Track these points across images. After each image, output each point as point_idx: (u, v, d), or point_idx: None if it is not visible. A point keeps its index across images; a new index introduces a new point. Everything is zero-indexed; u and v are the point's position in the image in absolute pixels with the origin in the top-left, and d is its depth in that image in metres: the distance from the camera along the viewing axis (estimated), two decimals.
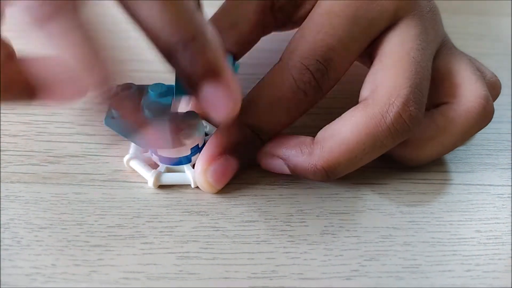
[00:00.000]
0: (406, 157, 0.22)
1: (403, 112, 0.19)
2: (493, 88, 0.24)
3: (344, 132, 0.20)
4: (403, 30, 0.21)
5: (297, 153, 0.20)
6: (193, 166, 0.21)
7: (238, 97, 0.18)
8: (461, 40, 0.27)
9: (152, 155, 0.22)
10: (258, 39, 0.24)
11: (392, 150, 0.21)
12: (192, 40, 0.16)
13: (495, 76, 0.24)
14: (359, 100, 0.21)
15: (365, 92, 0.21)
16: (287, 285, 0.18)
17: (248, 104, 0.21)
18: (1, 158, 0.22)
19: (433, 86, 0.22)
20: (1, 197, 0.21)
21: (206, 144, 0.21)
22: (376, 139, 0.19)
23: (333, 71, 0.20)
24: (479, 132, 0.25)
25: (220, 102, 0.17)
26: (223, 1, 0.24)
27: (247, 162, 0.21)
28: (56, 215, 0.20)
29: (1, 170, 0.22)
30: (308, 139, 0.21)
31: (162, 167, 0.22)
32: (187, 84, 0.18)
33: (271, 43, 0.25)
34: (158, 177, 0.21)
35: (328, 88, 0.21)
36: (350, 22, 0.20)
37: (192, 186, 0.21)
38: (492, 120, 0.25)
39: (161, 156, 0.21)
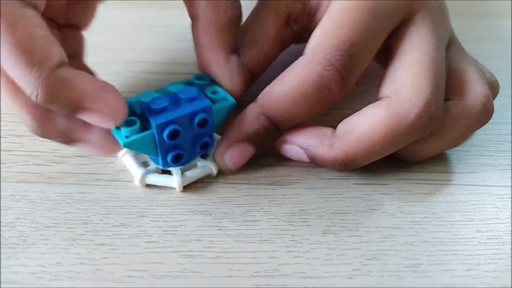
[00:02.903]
0: (409, 152, 0.22)
1: (424, 113, 0.20)
2: (492, 88, 0.24)
3: (365, 128, 0.20)
4: (419, 27, 0.21)
5: (318, 144, 0.21)
6: (182, 172, 0.22)
7: (114, 113, 0.19)
8: (462, 42, 0.27)
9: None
10: (278, 54, 0.24)
11: None
12: (37, 90, 0.17)
13: (494, 76, 0.24)
14: (379, 96, 0.21)
15: (386, 89, 0.21)
16: (290, 284, 0.18)
17: (270, 97, 0.21)
18: (7, 158, 0.23)
19: None
20: (7, 197, 0.21)
21: (228, 130, 0.22)
22: (396, 138, 0.20)
23: (358, 66, 0.20)
24: (480, 133, 0.25)
25: (100, 124, 0.19)
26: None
27: (264, 149, 0.22)
28: (61, 214, 0.20)
29: (7, 170, 0.22)
30: (328, 131, 0.21)
31: (152, 166, 0.22)
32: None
33: None
34: (144, 176, 0.21)
35: (352, 83, 0.21)
36: (370, 16, 0.20)
37: (177, 190, 0.21)
38: (493, 121, 0.26)
39: (153, 156, 0.22)
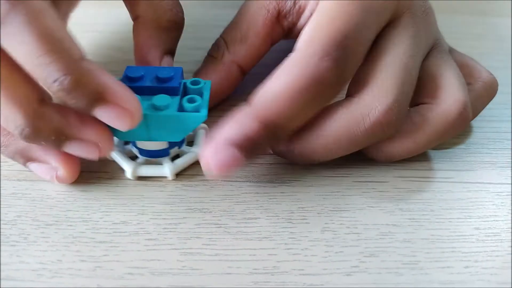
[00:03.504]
0: (377, 150, 0.22)
1: (383, 118, 0.20)
2: (490, 87, 0.24)
3: (324, 125, 0.20)
4: (400, 31, 0.21)
5: None
6: (172, 159, 0.22)
7: (133, 110, 0.18)
8: (461, 40, 0.27)
9: (132, 148, 0.22)
10: (268, 49, 0.25)
11: None
12: (65, 76, 0.17)
13: (491, 74, 0.24)
14: (346, 93, 0.21)
15: (352, 88, 0.21)
16: (288, 281, 0.18)
17: (266, 97, 0.19)
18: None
19: (416, 87, 0.22)
20: (9, 195, 0.21)
21: (217, 132, 0.20)
22: (352, 138, 0.20)
23: (352, 59, 0.20)
24: (479, 131, 0.25)
25: (116, 121, 0.18)
26: (218, 0, 0.25)
27: (254, 159, 0.22)
28: (62, 212, 0.20)
29: (9, 168, 0.22)
30: None
31: (141, 159, 0.22)
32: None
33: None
34: (136, 168, 0.22)
35: (349, 76, 0.20)
36: (362, 10, 0.20)
37: (169, 178, 0.22)
38: (492, 119, 0.26)
39: (140, 149, 0.22)
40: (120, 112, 0.18)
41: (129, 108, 0.18)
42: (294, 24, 0.24)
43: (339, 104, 0.21)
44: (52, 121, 0.19)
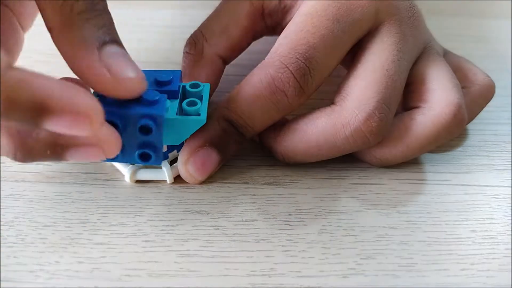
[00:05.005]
0: (371, 156, 0.22)
1: (364, 126, 0.20)
2: (486, 90, 0.24)
3: (306, 130, 0.21)
4: (383, 38, 0.21)
5: (270, 131, 0.22)
6: (171, 163, 0.22)
7: (89, 111, 0.15)
8: (460, 42, 0.27)
9: None
10: (249, 44, 0.25)
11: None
12: None
13: (488, 76, 0.24)
14: (332, 102, 0.21)
15: (336, 96, 0.21)
16: (285, 283, 0.18)
17: (229, 100, 0.21)
18: (7, 158, 0.23)
19: (407, 91, 0.22)
20: (6, 196, 0.21)
21: (189, 137, 0.21)
22: (333, 145, 0.21)
23: (316, 71, 0.20)
24: (476, 134, 0.25)
25: (72, 130, 0.15)
26: (218, 0, 0.25)
27: (229, 155, 0.22)
28: (59, 214, 0.20)
29: (6, 169, 0.22)
30: (282, 121, 0.22)
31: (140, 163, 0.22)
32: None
33: (261, 45, 0.25)
34: (134, 172, 0.22)
35: (311, 89, 0.21)
36: (332, 21, 0.20)
37: (168, 181, 0.22)
38: (490, 121, 0.26)
39: None
40: (72, 119, 0.15)
41: (83, 111, 0.15)
42: (279, 23, 0.24)
43: (322, 110, 0.21)
44: (42, 136, 0.17)
